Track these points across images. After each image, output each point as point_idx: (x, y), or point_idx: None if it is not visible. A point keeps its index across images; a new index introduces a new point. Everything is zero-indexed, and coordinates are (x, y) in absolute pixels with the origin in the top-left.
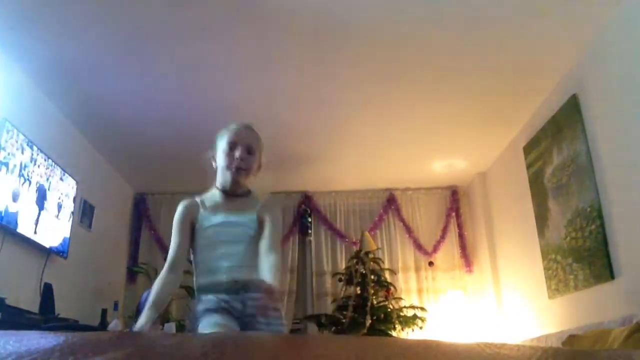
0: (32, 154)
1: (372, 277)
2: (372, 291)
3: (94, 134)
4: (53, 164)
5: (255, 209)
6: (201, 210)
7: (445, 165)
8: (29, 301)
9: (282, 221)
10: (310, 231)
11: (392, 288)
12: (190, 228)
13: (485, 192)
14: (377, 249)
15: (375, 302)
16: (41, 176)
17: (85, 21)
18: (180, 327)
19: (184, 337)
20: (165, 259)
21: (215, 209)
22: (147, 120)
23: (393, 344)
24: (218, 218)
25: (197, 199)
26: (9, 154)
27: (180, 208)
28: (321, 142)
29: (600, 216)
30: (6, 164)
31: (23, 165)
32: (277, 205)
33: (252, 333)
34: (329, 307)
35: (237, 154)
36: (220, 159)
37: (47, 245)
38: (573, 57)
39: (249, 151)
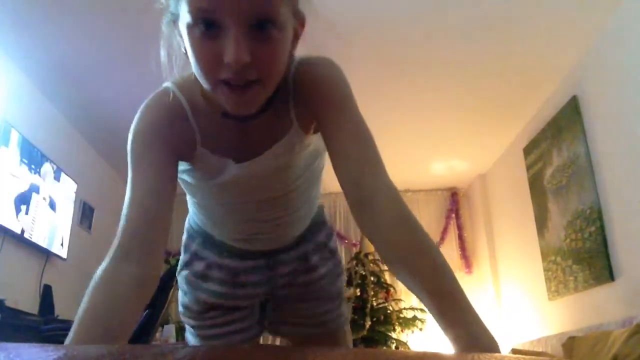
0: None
1: (372, 278)
2: (372, 293)
3: (94, 136)
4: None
5: (288, 112)
6: (196, 135)
7: (445, 166)
8: (29, 303)
9: (348, 89)
10: None
11: (391, 289)
12: (171, 161)
13: (485, 194)
14: None
15: (375, 303)
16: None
17: (85, 22)
18: (181, 330)
19: (194, 351)
20: (165, 260)
21: (215, 141)
22: None
23: (390, 355)
24: (226, 171)
25: (183, 100)
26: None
27: (147, 120)
28: None
29: (600, 218)
30: None
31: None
32: (323, 66)
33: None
34: None
35: (229, 54)
36: (189, 53)
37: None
38: (573, 59)
39: (257, 24)
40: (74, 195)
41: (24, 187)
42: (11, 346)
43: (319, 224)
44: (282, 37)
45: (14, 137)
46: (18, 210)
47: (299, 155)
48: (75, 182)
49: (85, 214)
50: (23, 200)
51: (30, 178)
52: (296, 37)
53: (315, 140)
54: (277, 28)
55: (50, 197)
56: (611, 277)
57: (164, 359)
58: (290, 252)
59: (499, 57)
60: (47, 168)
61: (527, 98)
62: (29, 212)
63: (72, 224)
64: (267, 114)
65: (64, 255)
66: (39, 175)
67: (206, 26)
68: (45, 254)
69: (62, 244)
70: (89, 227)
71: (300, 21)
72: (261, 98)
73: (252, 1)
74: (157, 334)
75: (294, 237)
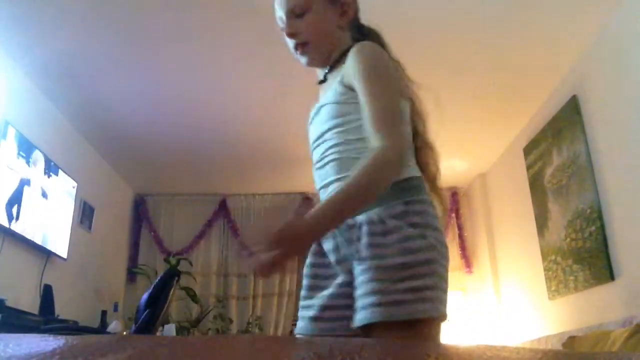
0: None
1: None
2: None
3: (94, 135)
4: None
5: (340, 71)
6: None
7: (445, 166)
8: (29, 302)
9: (381, 66)
10: None
11: None
12: None
13: (485, 193)
14: None
15: None
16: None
17: (85, 22)
18: (181, 329)
19: (186, 340)
20: (165, 260)
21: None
22: (147, 121)
23: (392, 345)
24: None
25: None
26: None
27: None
28: None
29: (600, 217)
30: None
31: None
32: (365, 47)
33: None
34: None
35: (286, 31)
36: None
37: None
38: (573, 58)
39: (295, 14)
40: (74, 194)
41: (16, 181)
42: (11, 336)
43: (386, 201)
44: (312, 17)
45: (12, 136)
46: (10, 205)
47: (338, 99)
48: (75, 181)
49: (85, 214)
50: (15, 195)
51: (23, 171)
52: (344, 14)
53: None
54: (308, 12)
55: (42, 188)
56: (611, 276)
57: (161, 349)
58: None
59: (499, 57)
60: (37, 155)
61: (527, 97)
62: (21, 205)
63: (72, 224)
64: (331, 75)
65: (64, 255)
66: (34, 166)
67: (281, 25)
68: (46, 254)
69: (56, 240)
70: (89, 227)
71: (342, 5)
72: (313, 52)
73: (290, 9)
74: (157, 334)
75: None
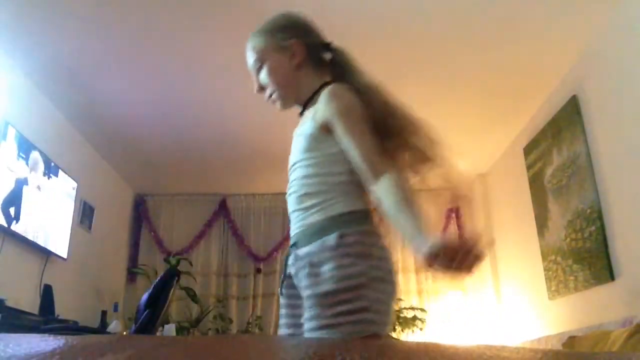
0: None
1: None
2: None
3: (94, 135)
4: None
5: (314, 108)
6: None
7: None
8: (29, 302)
9: (354, 107)
10: None
11: None
12: None
13: (486, 193)
14: None
15: None
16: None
17: (85, 22)
18: (181, 329)
19: (186, 340)
20: (165, 260)
21: None
22: (147, 121)
23: (393, 346)
24: None
25: None
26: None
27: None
28: None
29: (600, 217)
30: None
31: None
32: (336, 90)
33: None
34: None
35: (254, 87)
36: None
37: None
38: (573, 58)
39: (256, 69)
40: (74, 194)
41: (15, 182)
42: (11, 336)
43: (323, 240)
44: (268, 67)
45: (12, 136)
46: (10, 205)
47: (310, 133)
48: (75, 182)
49: (85, 214)
50: (15, 195)
51: (23, 171)
52: (293, 55)
53: (325, 147)
54: (264, 67)
55: (42, 188)
56: (611, 276)
57: (162, 349)
58: (301, 249)
59: (499, 57)
60: (37, 156)
61: (527, 97)
62: (21, 205)
63: (72, 224)
64: (307, 109)
65: (64, 255)
66: (33, 166)
67: None
68: (46, 254)
69: (56, 240)
70: (89, 227)
71: (289, 48)
72: (281, 98)
73: (252, 68)
74: (157, 334)
75: (300, 234)
